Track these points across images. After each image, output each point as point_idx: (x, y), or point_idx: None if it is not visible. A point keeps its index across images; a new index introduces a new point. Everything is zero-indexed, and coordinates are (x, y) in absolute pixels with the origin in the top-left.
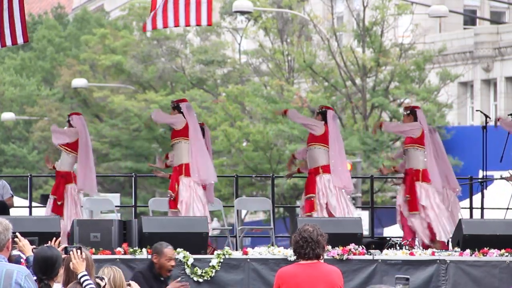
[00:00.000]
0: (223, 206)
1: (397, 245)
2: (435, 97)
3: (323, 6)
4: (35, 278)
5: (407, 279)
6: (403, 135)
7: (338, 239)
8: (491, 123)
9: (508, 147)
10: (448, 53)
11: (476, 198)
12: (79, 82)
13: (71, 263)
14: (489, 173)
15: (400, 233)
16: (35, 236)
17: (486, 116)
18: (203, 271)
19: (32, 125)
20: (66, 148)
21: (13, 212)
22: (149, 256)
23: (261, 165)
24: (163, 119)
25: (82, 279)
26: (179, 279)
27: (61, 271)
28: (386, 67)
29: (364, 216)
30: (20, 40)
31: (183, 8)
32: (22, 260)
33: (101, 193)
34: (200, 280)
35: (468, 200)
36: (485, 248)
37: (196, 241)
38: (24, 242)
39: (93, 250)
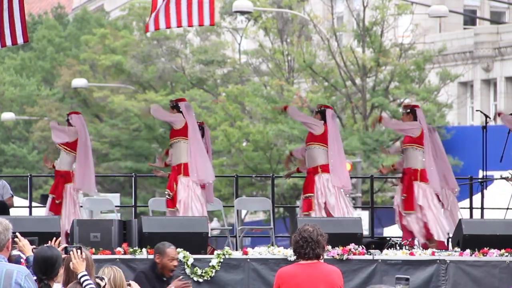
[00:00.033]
0: (223, 206)
1: (397, 245)
2: (435, 97)
3: (323, 6)
4: (35, 278)
5: (407, 279)
6: (403, 134)
7: (338, 239)
8: (491, 122)
9: (508, 147)
10: (448, 53)
11: (476, 198)
12: (79, 82)
13: (71, 263)
14: (489, 173)
15: (400, 233)
16: (35, 236)
17: (486, 116)
18: (203, 271)
19: (32, 125)
20: (65, 147)
21: (13, 212)
22: (149, 256)
23: (261, 165)
24: (162, 116)
25: (82, 279)
26: (180, 277)
27: (61, 271)
28: (386, 67)
29: (364, 216)
30: (20, 40)
31: (185, 8)
32: (22, 260)
33: (101, 193)
34: (200, 280)
35: (468, 200)
36: (485, 248)
37: (196, 241)
38: (24, 242)
39: (93, 250)
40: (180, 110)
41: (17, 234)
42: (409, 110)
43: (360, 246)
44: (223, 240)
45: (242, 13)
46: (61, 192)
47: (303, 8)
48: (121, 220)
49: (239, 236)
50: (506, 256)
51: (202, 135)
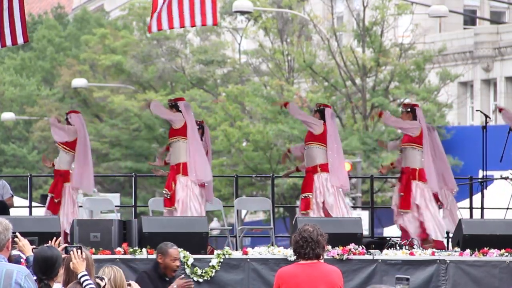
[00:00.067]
0: (223, 206)
1: (397, 245)
2: (435, 97)
3: (323, 6)
4: (35, 278)
5: (407, 279)
6: (402, 132)
7: (338, 239)
8: (491, 122)
9: (508, 147)
10: (448, 53)
11: (476, 198)
12: (79, 82)
13: (71, 263)
14: (489, 173)
15: (400, 233)
16: (35, 236)
17: (486, 116)
18: (203, 271)
19: (32, 125)
20: (64, 147)
21: (13, 212)
22: (149, 256)
23: (261, 165)
24: (161, 113)
25: (82, 279)
26: (182, 276)
27: (61, 271)
28: (386, 67)
29: (364, 216)
30: (20, 40)
31: (188, 8)
32: (22, 260)
33: (101, 193)
34: (200, 280)
35: (468, 200)
36: (485, 248)
37: (196, 241)
38: (24, 242)
39: (93, 250)
40: (179, 109)
41: (17, 234)
42: (409, 109)
43: (360, 246)
44: (223, 240)
45: (242, 13)
46: (60, 191)
47: (303, 8)
48: (121, 220)
49: (239, 236)
50: (506, 256)
51: (202, 134)
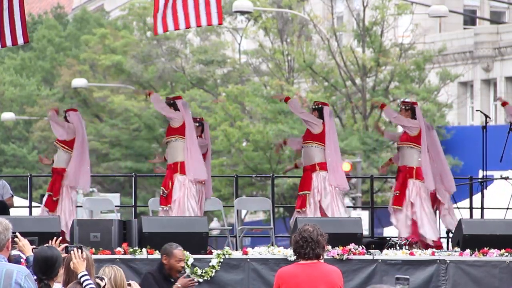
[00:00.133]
0: (223, 206)
1: (397, 245)
2: (435, 97)
3: (323, 6)
4: (35, 278)
5: (407, 279)
6: (402, 128)
7: (338, 239)
8: (491, 123)
9: (508, 147)
10: (448, 53)
11: (476, 198)
12: (79, 82)
13: (71, 262)
14: (489, 173)
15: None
16: (35, 236)
17: (486, 116)
18: (203, 271)
19: (32, 125)
20: (63, 145)
21: (13, 212)
22: (149, 256)
23: (261, 165)
24: (161, 108)
25: (82, 279)
26: (185, 274)
27: (61, 271)
28: (386, 67)
29: (364, 216)
30: (20, 40)
31: (193, 8)
32: (22, 260)
33: (101, 193)
34: (200, 280)
35: (468, 200)
36: (485, 248)
37: (196, 241)
38: (24, 242)
39: (93, 250)
40: (177, 108)
41: (17, 234)
42: (408, 107)
43: (360, 246)
44: (223, 240)
45: (242, 13)
46: (58, 189)
47: (303, 8)
48: (121, 220)
49: (239, 236)
50: (506, 256)
51: (202, 131)
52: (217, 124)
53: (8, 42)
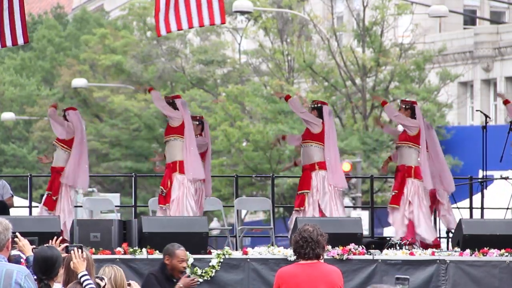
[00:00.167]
0: (223, 206)
1: (397, 245)
2: (435, 97)
3: (323, 6)
4: (35, 278)
5: (407, 279)
6: (402, 126)
7: (338, 239)
8: (491, 123)
9: (508, 147)
10: (448, 53)
11: (476, 198)
12: (79, 82)
13: (71, 262)
14: (489, 173)
15: None
16: (35, 236)
17: (486, 116)
18: (203, 271)
19: (32, 125)
20: (62, 145)
21: (13, 212)
22: (149, 256)
23: (261, 165)
24: (161, 106)
25: (82, 279)
26: (187, 274)
27: (61, 271)
28: (386, 67)
29: (364, 216)
30: (20, 40)
31: (195, 8)
32: (22, 260)
33: (101, 193)
34: (200, 280)
35: (468, 200)
36: (485, 248)
37: (196, 241)
38: (24, 242)
39: (93, 250)
40: (176, 107)
41: (17, 234)
42: (408, 106)
43: (360, 246)
44: (223, 240)
45: (242, 13)
46: (57, 188)
47: (303, 8)
48: (121, 220)
49: (239, 236)
50: (506, 256)
51: (202, 129)
52: (217, 124)
53: (8, 42)
